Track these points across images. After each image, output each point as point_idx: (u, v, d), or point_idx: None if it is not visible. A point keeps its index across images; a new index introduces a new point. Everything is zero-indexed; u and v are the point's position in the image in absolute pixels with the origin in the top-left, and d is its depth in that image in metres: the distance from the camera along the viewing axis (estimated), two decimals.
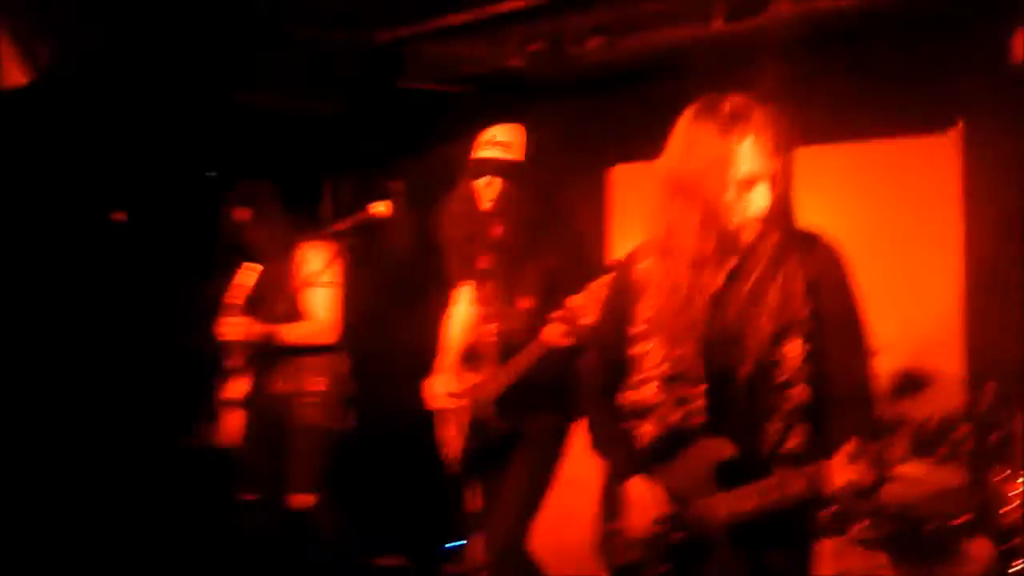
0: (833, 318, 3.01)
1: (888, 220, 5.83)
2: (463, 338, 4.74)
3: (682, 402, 3.04)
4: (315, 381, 5.22)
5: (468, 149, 4.55)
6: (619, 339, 3.20)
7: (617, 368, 3.21)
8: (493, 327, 4.54)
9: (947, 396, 5.52)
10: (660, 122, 6.50)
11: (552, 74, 6.49)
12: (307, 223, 5.32)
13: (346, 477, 5.33)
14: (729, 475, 2.94)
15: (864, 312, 3.12)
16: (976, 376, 5.50)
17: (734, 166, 2.95)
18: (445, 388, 4.68)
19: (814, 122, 5.97)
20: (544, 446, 4.51)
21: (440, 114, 6.29)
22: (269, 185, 5.31)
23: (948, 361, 5.54)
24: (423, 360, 4.84)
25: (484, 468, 4.60)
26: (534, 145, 4.51)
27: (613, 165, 7.03)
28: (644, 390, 3.11)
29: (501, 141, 4.45)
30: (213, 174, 5.20)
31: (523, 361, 4.37)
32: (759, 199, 2.99)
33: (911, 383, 5.63)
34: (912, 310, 5.65)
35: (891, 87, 5.77)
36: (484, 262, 4.56)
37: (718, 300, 3.03)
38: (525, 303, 4.44)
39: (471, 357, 4.67)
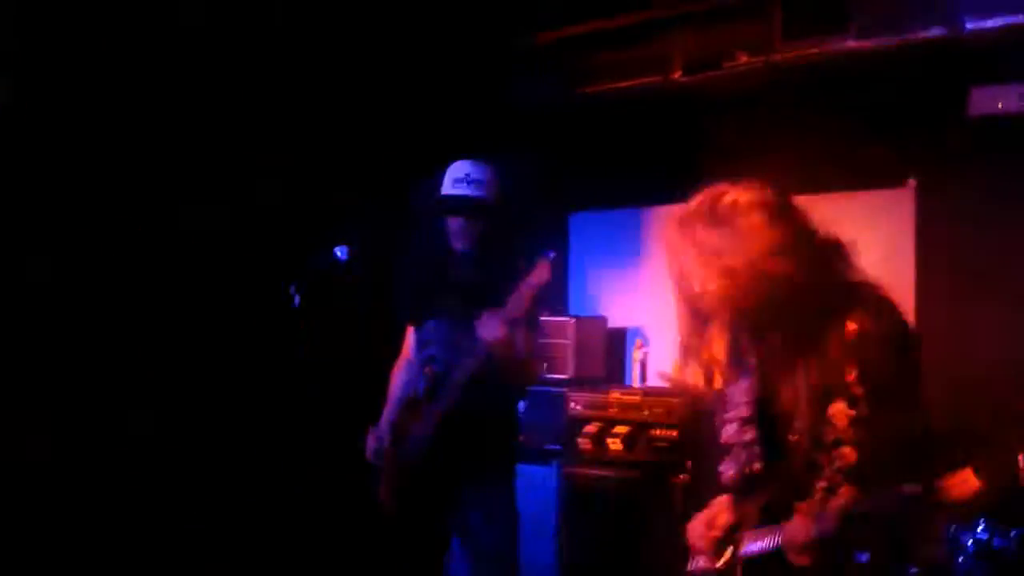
0: (881, 378, 2.92)
1: None
2: (407, 386, 4.61)
3: (748, 446, 3.09)
4: None
5: (431, 186, 4.44)
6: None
7: None
8: (431, 368, 4.44)
9: None
10: (617, 171, 6.70)
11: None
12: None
13: None
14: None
15: (917, 370, 3.06)
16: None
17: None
18: (387, 439, 4.54)
19: (771, 174, 6.07)
20: (504, 508, 4.38)
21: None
22: None
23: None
24: (373, 408, 4.75)
25: (420, 528, 4.44)
26: (501, 185, 4.42)
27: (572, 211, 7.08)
28: (726, 430, 3.17)
29: (475, 179, 4.35)
30: None
31: (458, 376, 4.25)
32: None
33: None
34: None
35: (848, 141, 5.83)
36: (439, 301, 4.46)
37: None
38: (467, 342, 4.28)
39: (410, 407, 4.53)
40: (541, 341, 6.11)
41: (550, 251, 4.13)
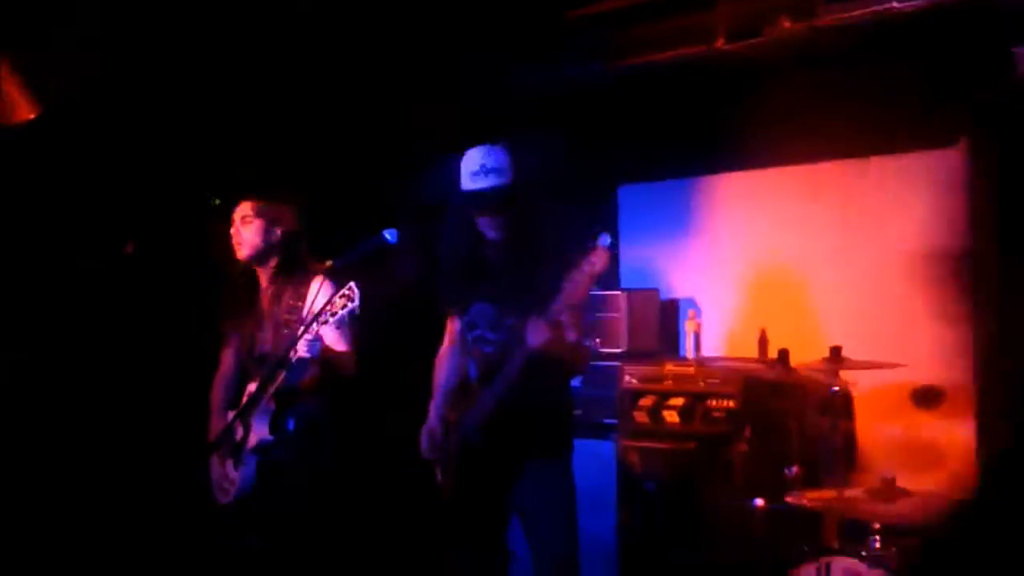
0: None
1: (896, 233, 5.85)
2: (458, 371, 4.64)
3: None
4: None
5: (453, 175, 4.41)
6: None
7: None
8: (480, 350, 4.48)
9: (960, 408, 5.57)
10: (664, 143, 6.68)
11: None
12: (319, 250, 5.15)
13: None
14: None
15: None
16: (985, 387, 5.53)
17: None
18: (438, 433, 4.53)
19: (818, 140, 6.05)
20: (560, 484, 4.40)
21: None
22: (289, 208, 5.07)
23: (959, 374, 5.57)
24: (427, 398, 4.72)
25: (479, 504, 4.45)
26: (520, 164, 4.38)
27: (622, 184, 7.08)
28: None
29: (491, 168, 4.30)
30: (217, 201, 5.10)
31: (509, 371, 4.24)
32: None
33: (928, 397, 5.66)
34: (923, 324, 5.68)
35: (896, 103, 5.79)
36: (481, 288, 4.49)
37: None
38: (513, 321, 4.33)
39: (463, 391, 4.57)
40: (591, 319, 6.15)
41: (605, 235, 4.01)
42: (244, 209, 4.98)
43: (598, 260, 4.00)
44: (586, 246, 4.00)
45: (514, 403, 4.27)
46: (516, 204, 4.33)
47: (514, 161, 4.35)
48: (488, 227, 4.38)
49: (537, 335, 4.11)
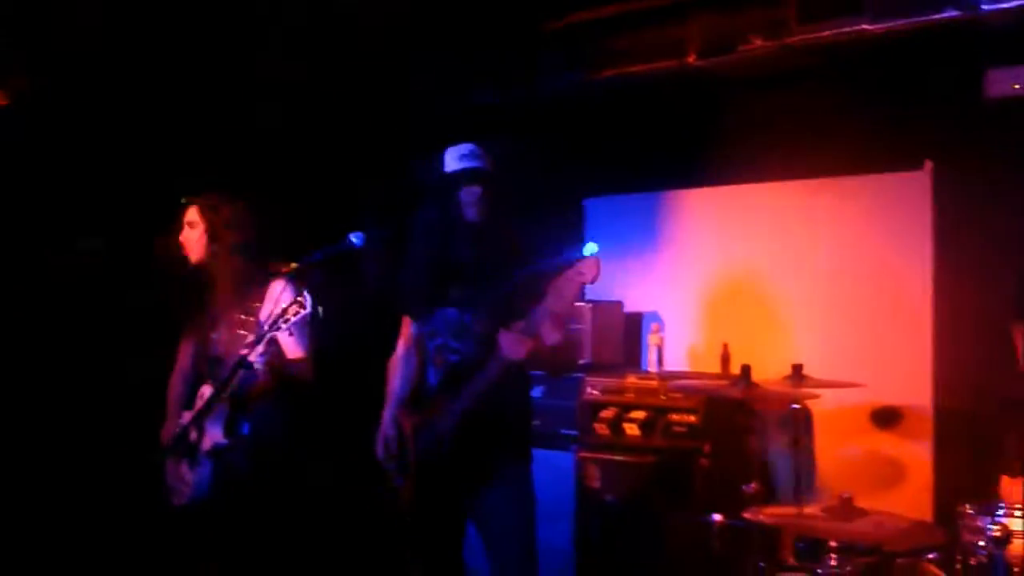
0: None
1: (862, 254, 5.89)
2: (412, 377, 4.61)
3: None
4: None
5: (433, 167, 4.43)
6: None
7: None
8: (444, 358, 4.44)
9: (919, 429, 5.61)
10: (633, 156, 6.70)
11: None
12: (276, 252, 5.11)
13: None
14: None
15: None
16: (943, 408, 5.58)
17: None
18: (392, 439, 4.50)
19: (787, 158, 6.08)
20: (522, 493, 4.39)
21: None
22: (233, 205, 4.99)
23: (918, 395, 5.61)
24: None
25: (441, 512, 4.42)
26: (498, 165, 4.43)
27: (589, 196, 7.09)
28: None
29: (479, 153, 4.38)
30: (184, 200, 5.04)
31: (481, 382, 4.23)
32: None
33: (887, 417, 5.69)
34: (884, 344, 5.72)
35: (864, 124, 5.83)
36: (449, 288, 4.44)
37: None
38: (480, 329, 4.33)
39: (420, 394, 4.54)
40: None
41: (591, 243, 4.01)
42: (191, 214, 4.95)
43: (588, 269, 4.00)
44: (571, 255, 4.00)
45: (482, 410, 4.25)
46: (500, 190, 4.37)
47: (492, 161, 4.40)
48: (471, 207, 4.35)
49: (515, 348, 4.12)
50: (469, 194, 4.35)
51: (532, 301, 4.14)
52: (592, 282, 4.03)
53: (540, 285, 4.14)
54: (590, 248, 4.00)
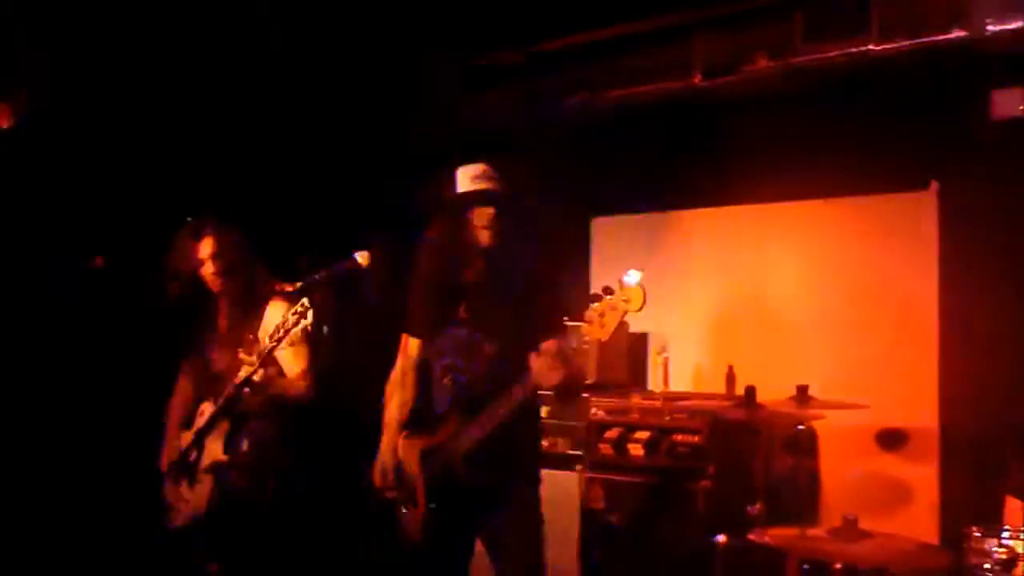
0: None
1: (868, 275, 5.88)
2: (410, 400, 4.56)
3: None
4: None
5: (444, 189, 4.36)
6: None
7: None
8: (452, 379, 4.38)
9: (924, 451, 5.58)
10: (639, 176, 6.70)
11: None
12: (279, 271, 5.11)
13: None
14: None
15: None
16: (949, 430, 5.55)
17: None
18: (393, 466, 4.44)
19: (793, 178, 6.07)
20: (530, 514, 4.34)
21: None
22: (236, 229, 5.00)
23: (924, 416, 5.59)
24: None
25: (454, 536, 4.36)
26: (510, 186, 4.35)
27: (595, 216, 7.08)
28: None
29: (492, 176, 4.29)
30: (190, 219, 5.04)
31: (503, 407, 4.11)
32: None
33: (892, 439, 5.67)
34: (890, 365, 5.70)
35: (870, 144, 5.82)
36: (458, 308, 4.38)
37: None
38: (491, 350, 4.29)
39: (424, 417, 4.48)
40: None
41: (633, 272, 3.79)
42: (191, 232, 4.95)
43: (634, 299, 3.79)
44: (603, 289, 3.83)
45: (494, 433, 4.19)
46: (513, 211, 4.30)
47: (502, 181, 4.33)
48: (481, 225, 4.28)
49: (548, 374, 3.99)
50: (482, 216, 4.29)
51: (547, 324, 4.06)
52: (638, 310, 3.82)
53: (556, 309, 4.09)
54: (633, 275, 3.78)
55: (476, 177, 4.32)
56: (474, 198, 4.29)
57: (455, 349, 4.38)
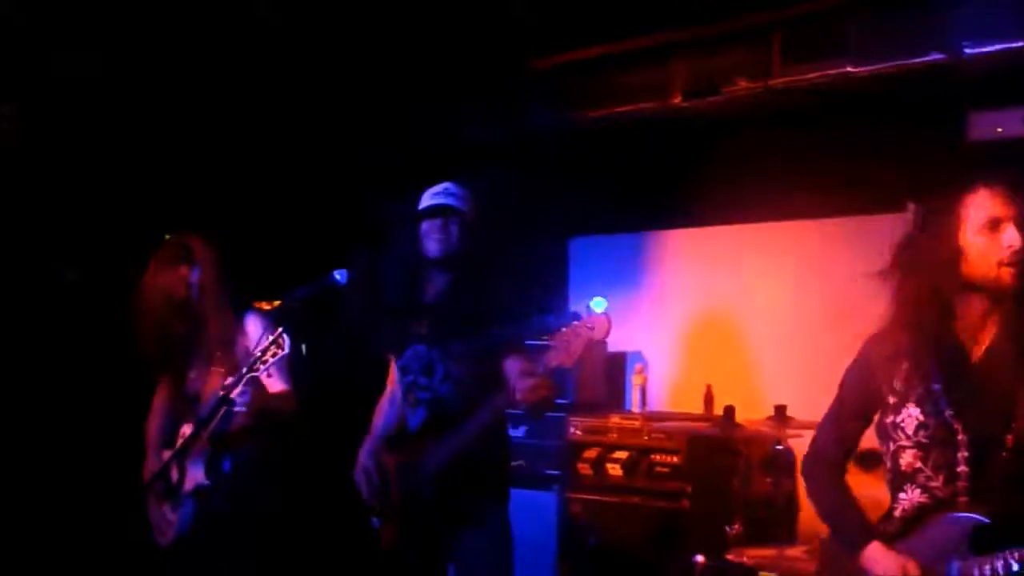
0: None
1: (845, 295, 5.89)
2: (394, 419, 4.56)
3: (941, 468, 3.13)
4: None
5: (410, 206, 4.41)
6: (861, 409, 3.48)
7: (850, 439, 3.50)
8: (415, 397, 4.37)
9: None
10: (616, 196, 6.71)
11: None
12: (259, 289, 5.09)
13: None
14: (985, 542, 2.96)
15: None
16: None
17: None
18: (375, 476, 4.41)
19: (771, 200, 6.09)
20: (498, 533, 4.31)
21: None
22: (216, 246, 4.97)
23: None
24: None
25: (423, 554, 4.33)
26: (480, 206, 4.38)
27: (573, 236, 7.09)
28: (903, 457, 3.26)
29: (453, 192, 4.33)
30: (169, 236, 5.02)
31: (474, 425, 4.12)
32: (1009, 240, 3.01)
33: (869, 459, 5.67)
34: None
35: (848, 166, 5.85)
36: (419, 325, 4.37)
37: (974, 366, 3.13)
38: (452, 368, 4.27)
39: (401, 436, 4.47)
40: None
41: (600, 299, 3.83)
42: (170, 249, 4.92)
43: (599, 326, 3.83)
44: (570, 313, 3.86)
45: (465, 452, 4.18)
46: (466, 229, 4.30)
47: (472, 198, 4.36)
48: (432, 240, 4.29)
49: (531, 392, 3.98)
50: (432, 228, 4.30)
51: (512, 346, 4.09)
52: (602, 339, 3.88)
53: (523, 335, 4.08)
54: (599, 303, 3.83)
55: (436, 193, 4.36)
56: (425, 212, 4.33)
57: (417, 366, 4.36)
